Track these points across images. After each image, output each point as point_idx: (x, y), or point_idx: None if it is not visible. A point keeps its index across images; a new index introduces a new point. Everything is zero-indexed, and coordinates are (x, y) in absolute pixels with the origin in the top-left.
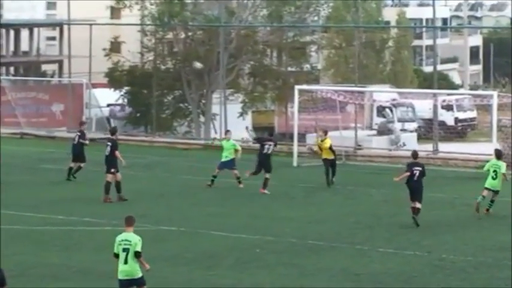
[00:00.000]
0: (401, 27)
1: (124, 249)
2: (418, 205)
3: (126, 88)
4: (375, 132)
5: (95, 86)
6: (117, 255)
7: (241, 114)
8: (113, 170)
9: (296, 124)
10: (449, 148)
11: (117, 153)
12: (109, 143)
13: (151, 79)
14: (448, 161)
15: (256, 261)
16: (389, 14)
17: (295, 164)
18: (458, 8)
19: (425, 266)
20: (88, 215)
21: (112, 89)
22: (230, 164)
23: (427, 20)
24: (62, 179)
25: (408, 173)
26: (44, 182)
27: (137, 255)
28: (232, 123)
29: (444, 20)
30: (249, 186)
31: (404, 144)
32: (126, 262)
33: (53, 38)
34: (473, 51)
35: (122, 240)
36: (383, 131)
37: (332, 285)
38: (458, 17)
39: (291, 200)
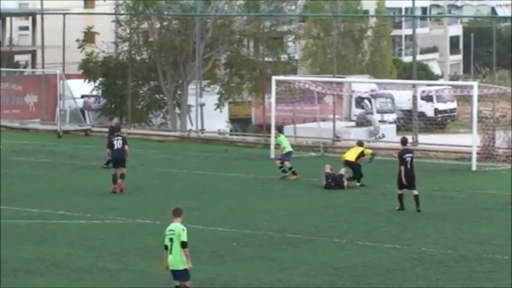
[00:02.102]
0: (380, 16)
1: (170, 239)
2: (415, 192)
3: (101, 79)
4: (353, 123)
5: (68, 76)
6: (166, 247)
7: (218, 106)
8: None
9: (273, 115)
10: (429, 139)
11: (126, 147)
12: (119, 138)
13: (126, 70)
14: (428, 153)
15: (233, 254)
16: (368, 3)
17: (272, 156)
18: None
19: (405, 259)
20: (62, 208)
21: (86, 80)
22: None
23: (406, 9)
24: (35, 171)
25: (404, 167)
26: (18, 175)
27: (183, 245)
28: (208, 115)
29: (424, 9)
30: (225, 179)
31: (383, 136)
32: (171, 252)
33: (26, 28)
34: (454, 41)
35: (169, 231)
36: (362, 122)
37: (310, 278)
38: (438, 6)
39: (269, 193)
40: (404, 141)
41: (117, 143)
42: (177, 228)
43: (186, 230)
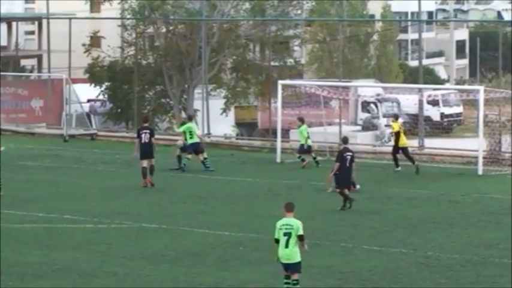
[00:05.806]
0: (386, 20)
1: (285, 234)
2: (350, 190)
3: (107, 84)
4: (359, 127)
5: (74, 81)
6: (277, 240)
7: (224, 110)
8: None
9: (279, 120)
10: (435, 144)
11: (153, 140)
12: (147, 131)
13: (132, 74)
14: (434, 157)
15: (239, 258)
16: (374, 7)
17: (278, 160)
18: (444, 1)
19: (411, 264)
20: (68, 212)
21: (92, 85)
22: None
23: (412, 13)
24: (41, 175)
25: (338, 164)
26: (24, 179)
27: (301, 238)
28: (214, 119)
29: (430, 14)
30: (231, 183)
31: (389, 140)
32: (287, 246)
33: (32, 33)
34: (460, 45)
35: (283, 225)
36: (368, 126)
37: (316, 283)
38: (444, 10)
39: (275, 197)
40: (345, 140)
41: (145, 137)
42: (295, 224)
43: (302, 225)
